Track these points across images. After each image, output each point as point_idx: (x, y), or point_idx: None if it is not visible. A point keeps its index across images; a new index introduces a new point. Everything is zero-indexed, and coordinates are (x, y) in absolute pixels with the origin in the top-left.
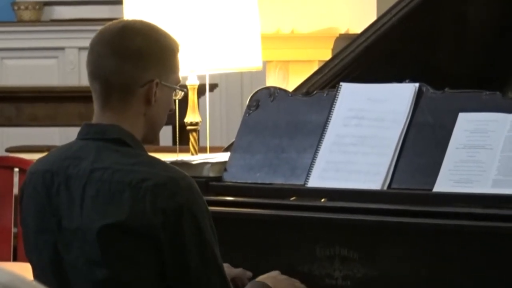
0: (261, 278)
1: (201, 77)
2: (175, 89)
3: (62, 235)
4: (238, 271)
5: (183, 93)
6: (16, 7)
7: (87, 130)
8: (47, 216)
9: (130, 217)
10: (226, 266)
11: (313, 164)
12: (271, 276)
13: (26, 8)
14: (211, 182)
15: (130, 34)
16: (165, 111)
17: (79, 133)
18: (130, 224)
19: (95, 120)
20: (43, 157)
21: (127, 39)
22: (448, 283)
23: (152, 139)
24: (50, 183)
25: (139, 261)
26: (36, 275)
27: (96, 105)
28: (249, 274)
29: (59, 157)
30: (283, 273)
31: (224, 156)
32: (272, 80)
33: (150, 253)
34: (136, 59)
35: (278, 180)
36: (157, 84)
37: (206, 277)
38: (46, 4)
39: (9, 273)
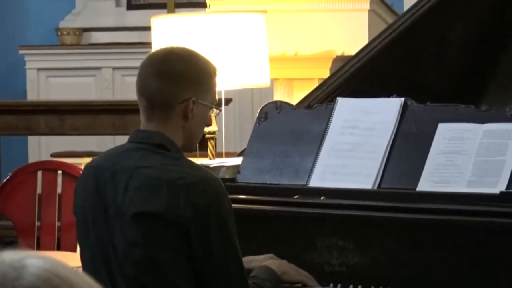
0: (268, 263)
1: (218, 93)
2: (211, 107)
3: (107, 221)
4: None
5: (218, 111)
6: (59, 33)
7: (136, 135)
8: (96, 204)
9: (166, 208)
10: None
11: (314, 167)
12: (276, 262)
13: (68, 34)
14: (226, 183)
15: (173, 59)
16: (201, 125)
17: (130, 137)
18: (166, 214)
19: (142, 127)
20: (99, 155)
21: (169, 63)
22: (427, 267)
23: (191, 149)
24: (99, 176)
25: (171, 245)
26: (85, 258)
27: (142, 117)
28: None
29: (110, 156)
30: (289, 261)
31: (237, 160)
32: (279, 95)
33: (181, 240)
34: (175, 80)
35: (284, 181)
36: (193, 102)
37: (226, 266)
38: (85, 30)
39: (52, 260)
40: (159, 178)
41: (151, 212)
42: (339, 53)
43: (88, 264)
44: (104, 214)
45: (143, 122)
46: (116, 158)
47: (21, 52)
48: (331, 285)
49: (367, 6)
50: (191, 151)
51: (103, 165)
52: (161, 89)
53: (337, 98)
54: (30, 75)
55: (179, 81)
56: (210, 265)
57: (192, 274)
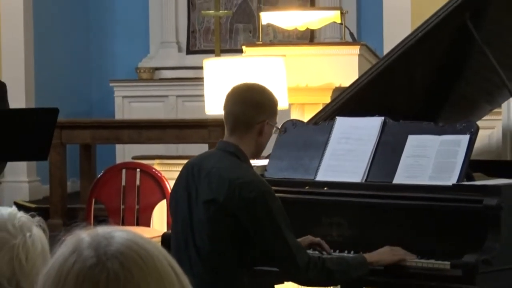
0: (367, 254)
1: None
2: (275, 127)
3: (189, 203)
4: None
5: (278, 129)
6: (138, 71)
7: (219, 144)
8: (184, 190)
9: (225, 200)
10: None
11: (319, 166)
12: (376, 252)
13: (144, 71)
14: None
15: (252, 91)
16: (267, 139)
17: (217, 145)
18: (224, 204)
19: (224, 139)
20: (195, 156)
21: (251, 94)
22: (400, 237)
23: (257, 156)
24: (191, 170)
25: (227, 227)
26: (172, 228)
27: (226, 131)
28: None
29: (202, 157)
30: (301, 234)
31: (265, 162)
32: (294, 115)
33: (234, 224)
34: (256, 107)
35: (297, 176)
36: (267, 123)
37: (273, 246)
38: (156, 69)
39: (133, 233)
40: (224, 177)
41: (215, 200)
42: (337, 85)
43: (173, 235)
44: (188, 198)
45: (226, 134)
46: (204, 159)
47: (111, 84)
48: (332, 250)
49: (357, 51)
50: (259, 157)
51: (195, 163)
52: (245, 112)
53: (336, 117)
54: (117, 101)
55: (258, 107)
56: (261, 246)
57: (245, 252)
